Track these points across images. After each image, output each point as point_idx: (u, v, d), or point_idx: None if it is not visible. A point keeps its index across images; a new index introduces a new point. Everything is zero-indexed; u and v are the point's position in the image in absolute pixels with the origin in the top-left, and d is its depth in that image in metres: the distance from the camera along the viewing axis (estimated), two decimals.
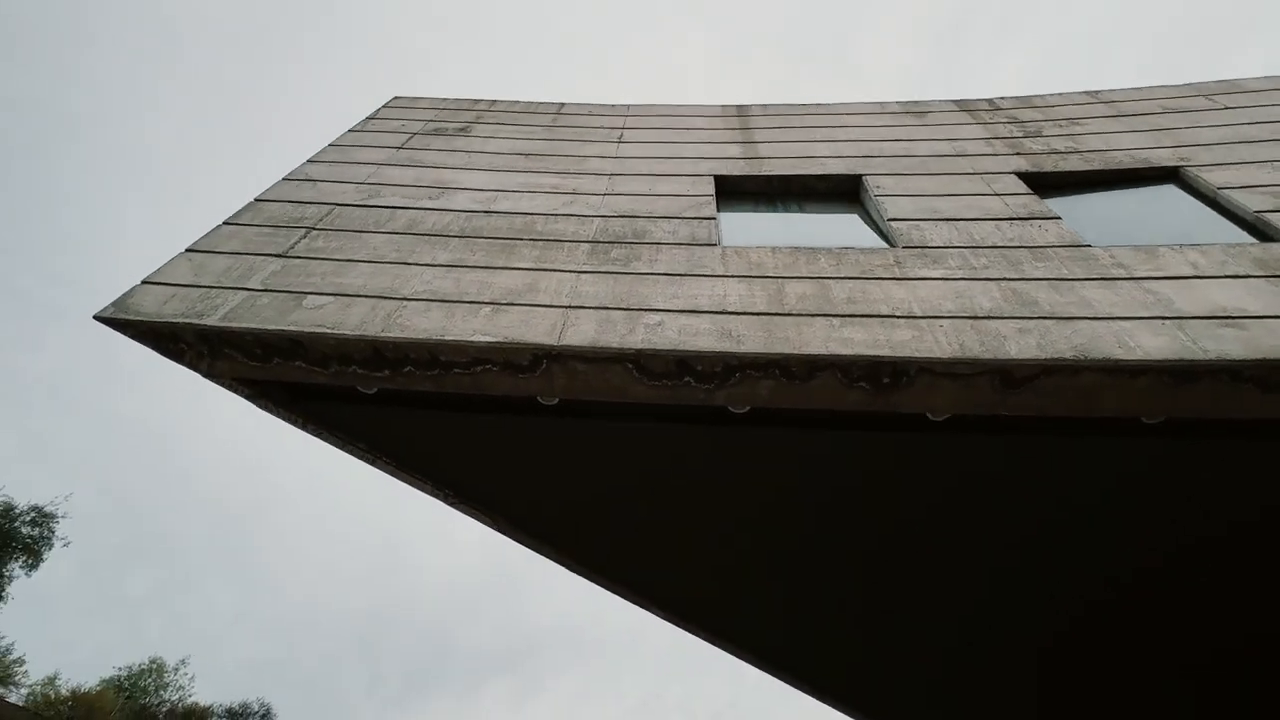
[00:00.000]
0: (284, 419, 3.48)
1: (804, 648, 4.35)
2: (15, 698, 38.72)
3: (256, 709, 43.36)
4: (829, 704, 4.75)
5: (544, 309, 3.17)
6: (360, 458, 3.63)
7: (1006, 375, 2.71)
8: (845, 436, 3.20)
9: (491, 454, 3.67)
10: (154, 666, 46.35)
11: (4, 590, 36.73)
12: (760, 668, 4.36)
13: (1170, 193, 4.10)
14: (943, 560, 3.89)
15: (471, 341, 2.97)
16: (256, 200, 4.21)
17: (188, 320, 3.08)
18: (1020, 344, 2.77)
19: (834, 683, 4.63)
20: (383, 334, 3.01)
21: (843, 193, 4.48)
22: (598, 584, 4.04)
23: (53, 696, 40.21)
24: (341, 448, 3.58)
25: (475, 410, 3.34)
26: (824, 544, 3.85)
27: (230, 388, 3.32)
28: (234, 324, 3.07)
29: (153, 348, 3.18)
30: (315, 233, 3.86)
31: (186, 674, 47.33)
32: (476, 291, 3.31)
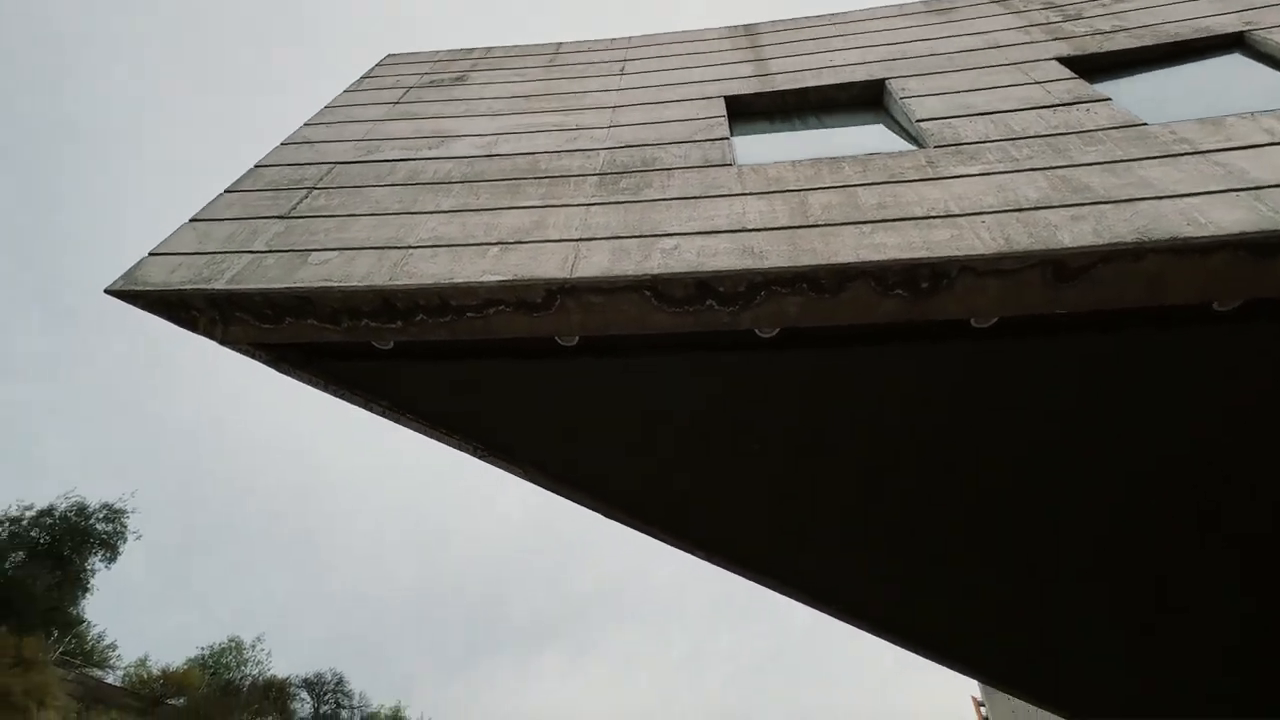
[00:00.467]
0: (305, 381, 3.44)
1: (844, 576, 4.24)
2: (113, 679, 41.82)
3: (330, 678, 46.05)
4: (871, 631, 4.66)
5: (553, 244, 3.02)
6: (385, 416, 3.59)
7: (1059, 266, 2.47)
8: (883, 353, 3.00)
9: (516, 402, 3.58)
10: (233, 645, 49.45)
11: (89, 583, 39.30)
12: (803, 600, 4.27)
13: (1235, 62, 3.68)
14: (992, 478, 3.70)
15: (481, 282, 2.84)
16: (256, 166, 4.12)
17: (196, 286, 3.03)
18: (1074, 231, 2.52)
19: (875, 610, 4.53)
20: (390, 283, 2.91)
21: (865, 101, 4.16)
22: (634, 527, 3.97)
23: (145, 676, 43.33)
24: (365, 407, 3.54)
25: (495, 357, 3.24)
26: (862, 468, 3.69)
27: (247, 353, 3.28)
28: (241, 286, 3.00)
29: (166, 317, 3.15)
30: (316, 192, 3.75)
31: (263, 650, 50.34)
32: (483, 233, 3.18)
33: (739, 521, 3.96)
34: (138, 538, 42.51)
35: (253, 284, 2.99)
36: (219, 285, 3.01)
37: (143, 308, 3.12)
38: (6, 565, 35.60)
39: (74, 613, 39.55)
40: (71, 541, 38.27)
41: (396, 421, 3.64)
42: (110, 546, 40.43)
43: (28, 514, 37.41)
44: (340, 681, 45.57)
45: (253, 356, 3.31)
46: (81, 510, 39.44)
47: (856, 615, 4.60)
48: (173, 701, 39.15)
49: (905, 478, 3.74)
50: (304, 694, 43.98)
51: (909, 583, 4.51)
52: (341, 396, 3.50)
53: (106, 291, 3.10)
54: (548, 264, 2.88)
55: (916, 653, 5.13)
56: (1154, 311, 2.66)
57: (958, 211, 2.76)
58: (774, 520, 3.91)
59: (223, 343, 3.21)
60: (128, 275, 3.14)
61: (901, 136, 3.78)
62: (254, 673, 44.95)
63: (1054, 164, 2.96)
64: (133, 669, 45.03)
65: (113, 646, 47.93)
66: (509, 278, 2.83)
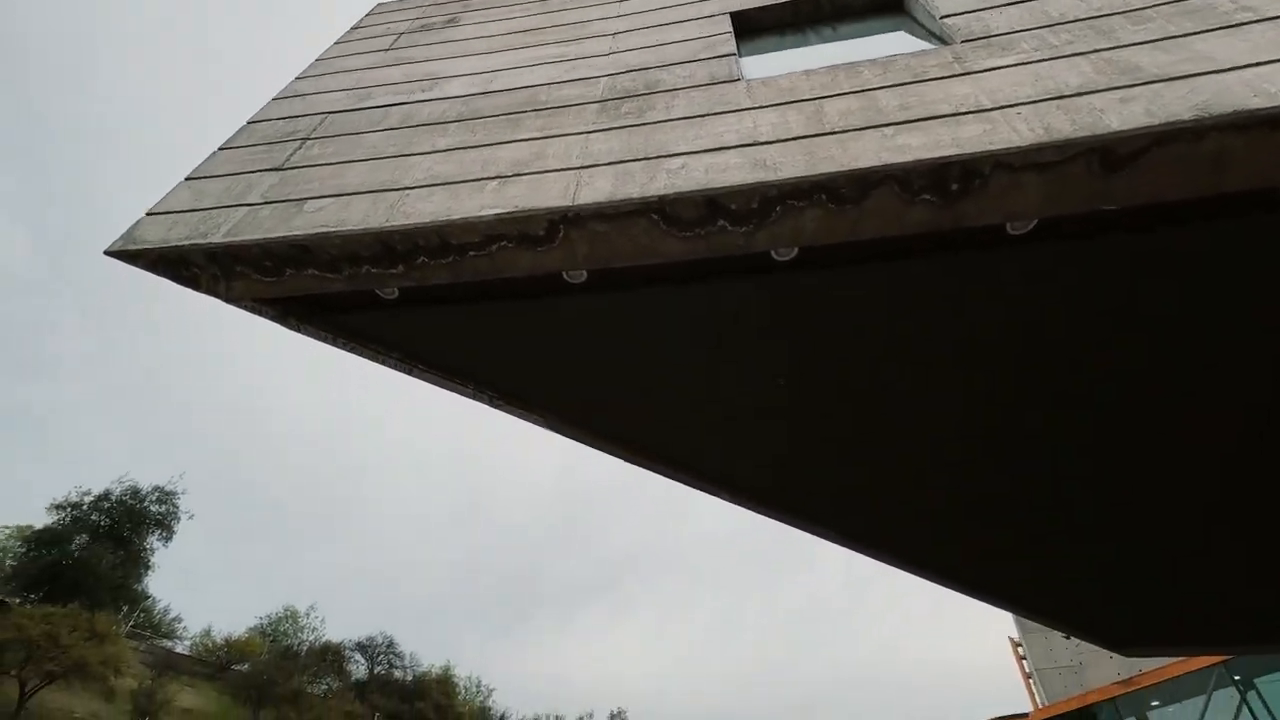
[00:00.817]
0: (315, 336, 3.38)
1: (874, 513, 4.11)
2: (181, 648, 44.34)
3: (380, 641, 48.27)
4: (904, 568, 4.56)
5: (554, 174, 2.86)
6: (397, 368, 3.53)
7: (1107, 154, 2.23)
8: (910, 270, 2.80)
9: (527, 347, 3.47)
10: (288, 614, 52.00)
11: (150, 560, 41.35)
12: (833, 539, 4.17)
13: None
14: (1031, 403, 3.51)
15: (480, 217, 2.71)
16: (249, 122, 4.00)
17: (193, 242, 2.96)
18: (1122, 114, 2.27)
19: (908, 547, 4.41)
20: (387, 224, 2.79)
21: (883, 4, 3.84)
22: (656, 470, 3.88)
23: (211, 645, 45.88)
24: (376, 359, 3.48)
25: (502, 299, 3.13)
26: (888, 396, 3.52)
27: (253, 309, 3.22)
28: (238, 238, 2.92)
29: (168, 276, 3.09)
30: (310, 142, 3.63)
31: (317, 617, 52.94)
32: (481, 169, 3.03)
33: (764, 460, 3.85)
34: (190, 517, 44.67)
35: (249, 235, 2.91)
36: (216, 239, 2.93)
37: (144, 267, 3.07)
38: (72, 547, 37.67)
39: (139, 589, 41.92)
40: (129, 523, 40.26)
41: (409, 373, 3.59)
42: (165, 526, 42.50)
43: (86, 499, 39.39)
44: (391, 644, 47.85)
45: (259, 313, 3.25)
46: (135, 493, 41.36)
47: (889, 552, 4.48)
48: (238, 667, 41.56)
49: (936, 405, 3.57)
50: (358, 656, 46.26)
51: (942, 517, 4.36)
52: (352, 350, 3.44)
53: (106, 253, 3.04)
54: (549, 194, 2.73)
55: (955, 589, 5.04)
56: (1211, 202, 2.41)
57: (990, 105, 2.52)
58: (800, 457, 3.78)
59: (227, 299, 3.15)
60: (126, 236, 3.08)
61: (925, 38, 3.49)
62: (310, 638, 47.39)
63: (1098, 47, 2.67)
64: (198, 638, 47.77)
65: (178, 619, 50.79)
66: (509, 210, 2.69)
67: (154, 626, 46.85)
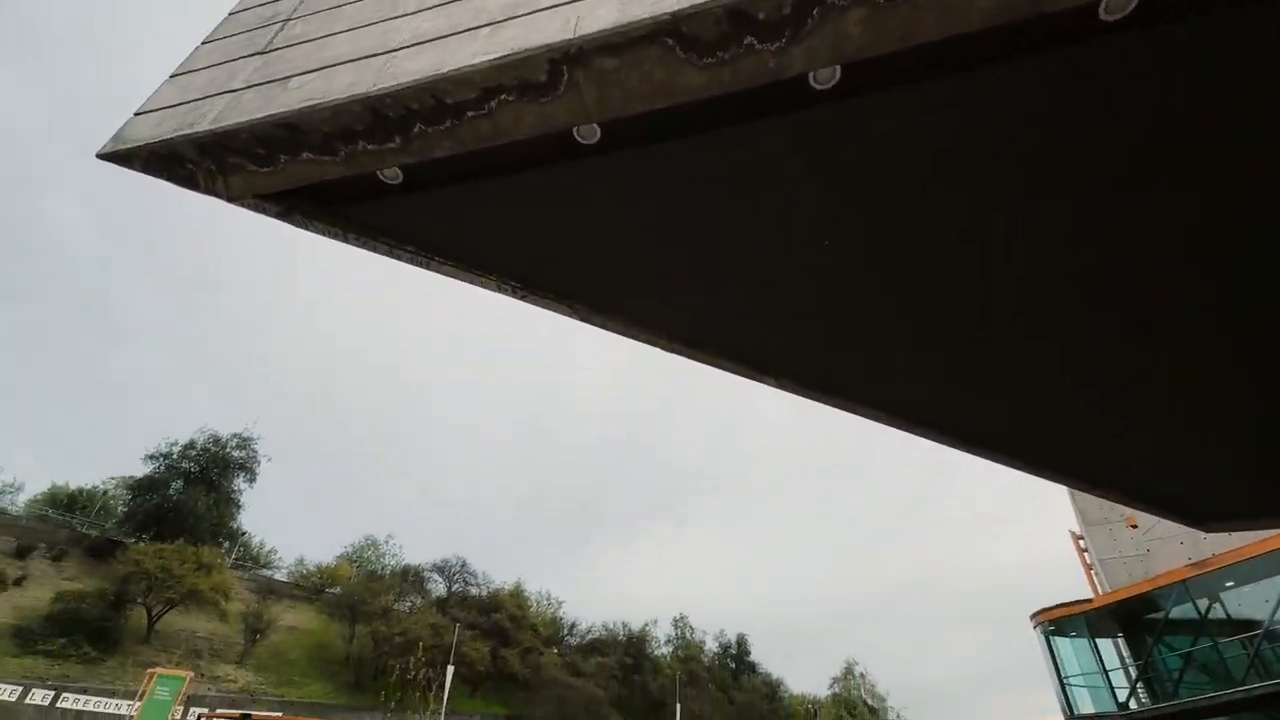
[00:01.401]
0: (324, 233, 3.21)
1: (928, 387, 3.78)
2: (280, 576, 48.66)
3: (455, 562, 51.77)
4: (963, 448, 4.26)
5: (550, 10, 2.49)
6: (413, 263, 3.34)
7: None
8: (980, 82, 2.36)
9: (545, 225, 3.22)
10: (369, 542, 56.13)
11: (240, 501, 44.84)
12: (887, 421, 3.89)
13: None
14: (1111, 247, 3.06)
15: (474, 66, 2.40)
16: (230, 13, 3.70)
17: (181, 133, 2.77)
18: None
19: (965, 423, 4.09)
20: (375, 88, 2.52)
21: None
22: (697, 359, 3.65)
23: (305, 572, 50.18)
24: (390, 254, 3.30)
25: (513, 172, 2.85)
26: (946, 244, 3.13)
27: (256, 208, 3.05)
28: (224, 124, 2.71)
29: (164, 176, 2.94)
30: (291, 22, 3.32)
31: (396, 545, 57.00)
32: (471, 19, 2.67)
33: (807, 337, 3.54)
34: (268, 460, 47.97)
35: (234, 120, 2.69)
36: (202, 128, 2.73)
37: (138, 169, 2.91)
38: (170, 492, 41.22)
39: (234, 526, 45.88)
40: (216, 468, 43.52)
41: (427, 267, 3.40)
42: (248, 469, 45.82)
43: (175, 449, 42.61)
44: (465, 565, 51.44)
45: (262, 211, 3.08)
46: (217, 441, 44.46)
47: (944, 431, 4.16)
48: (331, 590, 45.59)
49: (1007, 254, 3.16)
50: (436, 576, 50.00)
51: (1000, 386, 3.98)
52: (364, 245, 3.27)
53: (98, 156, 2.90)
54: (547, 30, 2.38)
55: (1022, 468, 4.74)
56: None
57: None
58: (846, 328, 3.45)
59: (228, 199, 2.99)
60: (115, 137, 2.92)
61: None
62: (391, 563, 51.43)
63: None
64: (294, 567, 52.46)
65: (274, 551, 55.70)
66: (504, 53, 2.36)
67: (254, 558, 51.66)
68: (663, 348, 3.95)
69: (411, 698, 29.13)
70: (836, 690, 74.74)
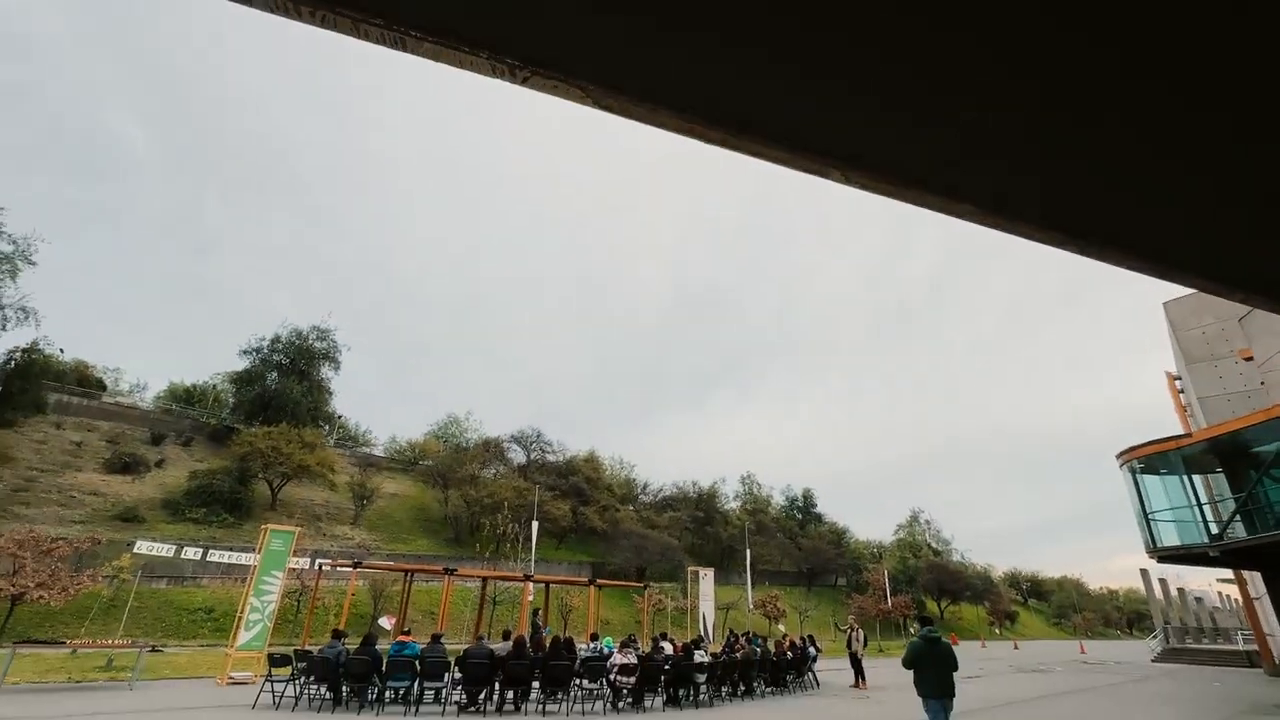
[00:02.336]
0: (281, 13, 2.58)
1: (1009, 161, 2.89)
2: (378, 452, 53.22)
3: (530, 433, 54.95)
4: (1060, 244, 3.37)
5: None
6: (383, 42, 2.69)
7: None
8: None
9: None
10: (452, 420, 60.00)
11: (330, 388, 48.19)
12: (980, 220, 3.03)
13: None
14: None
15: None
16: None
17: None
18: None
19: (1056, 210, 3.17)
20: None
21: None
22: (751, 151, 2.87)
23: (398, 448, 54.63)
24: (354, 32, 2.65)
25: None
26: None
27: None
28: None
29: None
30: None
31: (476, 421, 60.58)
32: None
33: (896, 112, 2.66)
34: (348, 350, 50.96)
35: None
36: None
37: None
38: (268, 383, 44.83)
39: (329, 410, 50.01)
40: (303, 359, 46.73)
41: (400, 47, 2.77)
42: (331, 358, 48.92)
43: (264, 344, 45.67)
44: (540, 435, 54.72)
45: None
46: (299, 334, 47.22)
47: (1059, 228, 3.22)
48: (423, 463, 49.90)
49: None
50: (515, 446, 53.65)
51: (1144, 166, 2.95)
52: (322, 23, 2.65)
53: None
54: None
55: (1147, 269, 3.83)
56: None
57: None
58: (946, 95, 2.56)
59: None
60: None
61: None
62: (473, 437, 55.46)
63: None
64: (388, 444, 57.38)
65: (369, 431, 60.64)
66: None
67: (353, 438, 56.95)
68: (700, 137, 3.23)
69: (504, 549, 32.49)
70: (901, 536, 78.34)
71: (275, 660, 10.20)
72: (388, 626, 23.09)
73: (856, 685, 15.63)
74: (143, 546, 21.19)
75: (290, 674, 10.09)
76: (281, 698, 9.96)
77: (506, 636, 11.34)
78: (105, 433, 37.68)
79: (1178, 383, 25.46)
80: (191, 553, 21.63)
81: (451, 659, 10.52)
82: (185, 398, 49.64)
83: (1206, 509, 17.10)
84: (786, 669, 14.68)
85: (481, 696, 10.26)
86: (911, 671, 7.34)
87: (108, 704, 9.84)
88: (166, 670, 13.95)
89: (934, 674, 7.09)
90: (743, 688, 13.48)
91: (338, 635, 10.63)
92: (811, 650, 16.17)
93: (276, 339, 45.64)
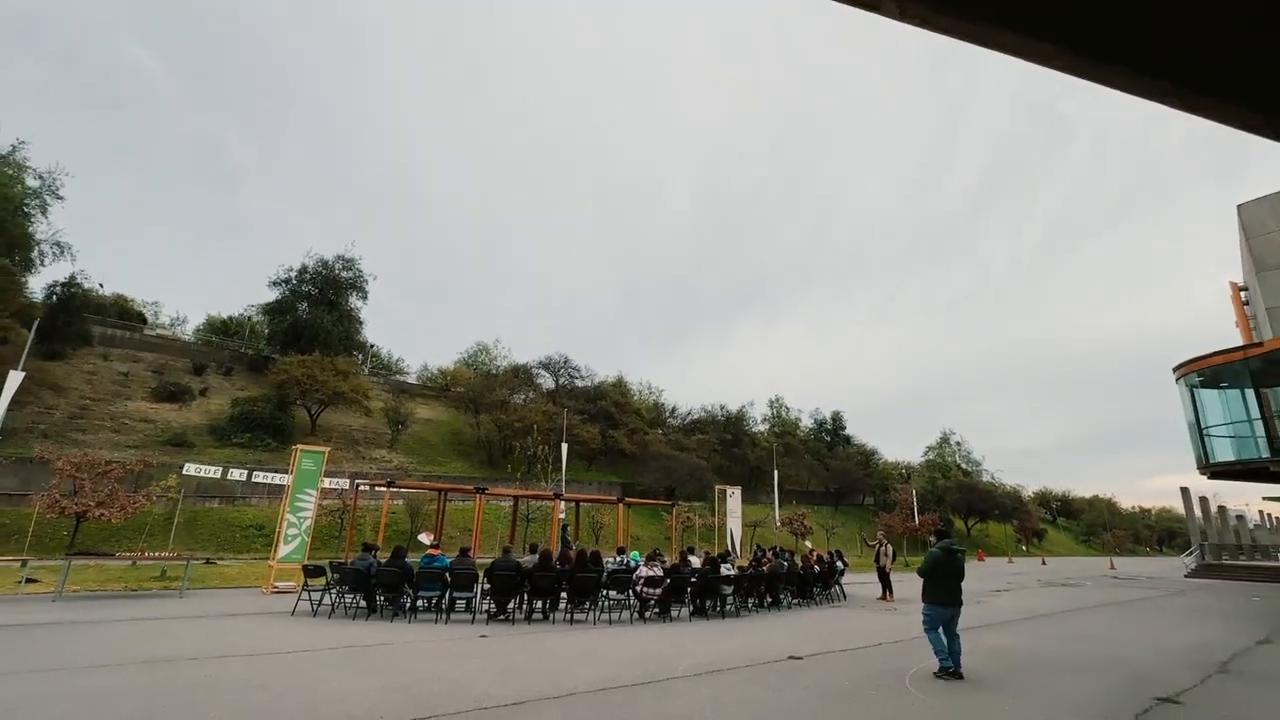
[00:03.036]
0: None
1: None
2: (410, 379, 54.33)
3: (558, 359, 55.27)
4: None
5: None
6: None
7: None
8: None
9: None
10: (481, 348, 60.60)
11: (360, 317, 48.69)
12: (1055, 63, 2.23)
13: None
14: None
15: None
16: None
17: None
18: None
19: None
20: None
21: None
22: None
23: (430, 375, 55.63)
24: None
25: None
26: None
27: None
28: None
29: None
30: None
31: (504, 348, 61.10)
32: None
33: None
34: (374, 279, 50.98)
35: None
36: None
37: None
38: (300, 313, 45.46)
39: (360, 339, 50.78)
40: (331, 289, 47.03)
41: None
42: (358, 288, 49.12)
43: (291, 274, 45.97)
44: (568, 360, 54.97)
45: None
46: (325, 264, 47.30)
47: (1149, 70, 2.38)
48: (456, 389, 50.83)
49: None
50: (543, 372, 54.16)
51: None
52: None
53: None
54: None
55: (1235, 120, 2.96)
56: None
57: None
58: None
59: None
60: None
61: None
62: (501, 364, 56.07)
63: None
64: (421, 372, 58.46)
65: (401, 360, 61.78)
66: None
67: (386, 367, 58.17)
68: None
69: (535, 470, 33.28)
70: (931, 457, 78.27)
71: (310, 571, 10.51)
72: (427, 542, 24.12)
73: (884, 598, 15.71)
74: (190, 468, 22.14)
75: (324, 584, 10.39)
76: (319, 606, 10.31)
77: (534, 550, 11.45)
78: (150, 364, 39.01)
79: (1243, 294, 23.67)
80: (236, 474, 22.58)
81: (481, 571, 10.68)
82: (223, 329, 50.89)
83: (1257, 424, 16.07)
84: (814, 582, 14.75)
85: (510, 606, 10.45)
86: (923, 580, 7.53)
87: (158, 610, 10.32)
88: (216, 580, 14.72)
89: (948, 584, 7.27)
90: (769, 600, 13.61)
91: (368, 548, 10.88)
92: (839, 564, 16.21)
93: (304, 269, 45.83)
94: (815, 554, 16.26)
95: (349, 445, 37.48)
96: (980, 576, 27.99)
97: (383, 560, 10.79)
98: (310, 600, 10.39)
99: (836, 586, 15.85)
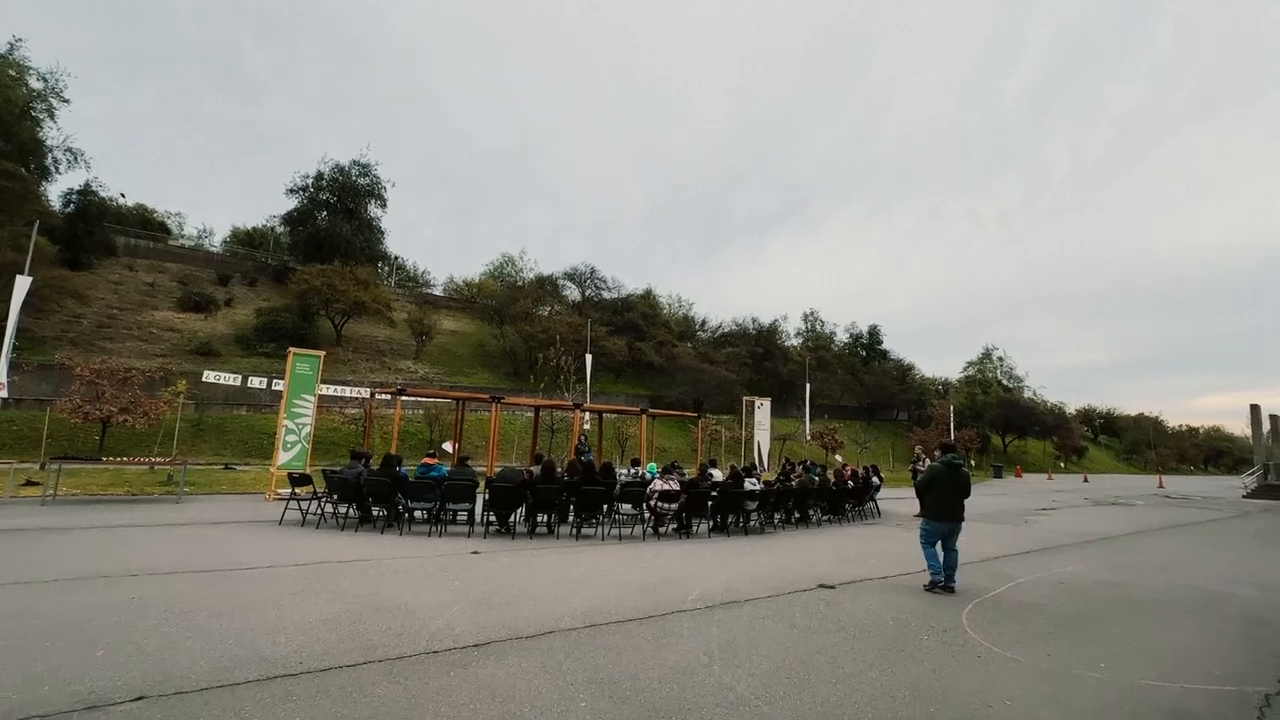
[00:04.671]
0: None
1: None
2: (437, 291, 53.55)
3: (584, 269, 53.57)
4: None
5: None
6: None
7: None
8: None
9: None
10: (507, 260, 59.12)
11: (380, 226, 47.36)
12: None
13: None
14: None
15: None
16: None
17: None
18: None
19: None
20: None
21: None
22: None
23: (456, 287, 54.75)
24: None
25: None
26: None
27: None
28: None
29: None
30: None
31: (530, 259, 59.53)
32: None
33: None
34: (393, 185, 49.22)
35: None
36: None
37: None
38: (319, 221, 44.32)
39: (382, 249, 49.71)
40: (349, 196, 45.47)
41: None
42: (376, 195, 47.47)
43: (308, 181, 44.45)
44: (594, 271, 53.23)
45: None
46: (341, 169, 45.46)
47: None
48: (484, 302, 49.95)
49: None
50: (569, 284, 52.69)
51: None
52: None
53: None
54: None
55: None
56: None
57: None
58: None
59: None
60: None
61: None
62: (529, 276, 54.68)
63: None
64: (447, 283, 57.62)
65: (428, 272, 60.90)
66: None
67: (413, 279, 57.46)
68: None
69: (560, 381, 32.60)
70: (970, 373, 75.55)
71: (296, 479, 9.77)
72: (450, 450, 23.99)
73: (921, 515, 14.61)
74: (209, 376, 21.89)
75: (311, 493, 9.66)
76: (310, 516, 9.63)
77: (539, 461, 10.47)
78: (175, 274, 38.84)
79: None
80: (256, 382, 22.27)
81: (481, 481, 9.77)
82: (247, 240, 50.34)
83: None
84: (846, 498, 13.65)
85: (512, 520, 9.59)
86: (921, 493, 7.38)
87: (143, 516, 9.81)
88: (225, 486, 14.42)
89: (948, 498, 7.10)
90: (797, 516, 12.59)
91: (356, 456, 10.03)
92: (875, 480, 15.04)
93: (320, 176, 44.22)
94: (849, 469, 15.08)
95: (374, 356, 37.31)
96: (1022, 493, 26.75)
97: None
98: (301, 510, 9.70)
99: (871, 503, 14.77)
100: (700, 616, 5.36)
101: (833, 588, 6.76)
